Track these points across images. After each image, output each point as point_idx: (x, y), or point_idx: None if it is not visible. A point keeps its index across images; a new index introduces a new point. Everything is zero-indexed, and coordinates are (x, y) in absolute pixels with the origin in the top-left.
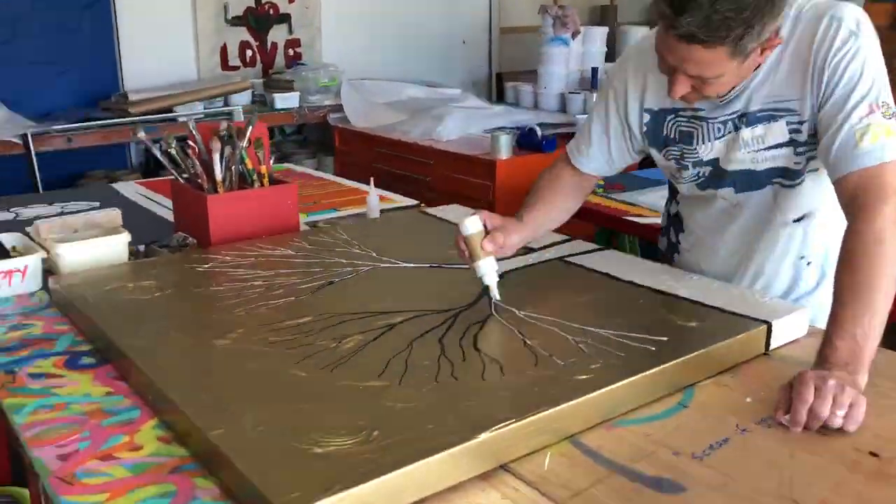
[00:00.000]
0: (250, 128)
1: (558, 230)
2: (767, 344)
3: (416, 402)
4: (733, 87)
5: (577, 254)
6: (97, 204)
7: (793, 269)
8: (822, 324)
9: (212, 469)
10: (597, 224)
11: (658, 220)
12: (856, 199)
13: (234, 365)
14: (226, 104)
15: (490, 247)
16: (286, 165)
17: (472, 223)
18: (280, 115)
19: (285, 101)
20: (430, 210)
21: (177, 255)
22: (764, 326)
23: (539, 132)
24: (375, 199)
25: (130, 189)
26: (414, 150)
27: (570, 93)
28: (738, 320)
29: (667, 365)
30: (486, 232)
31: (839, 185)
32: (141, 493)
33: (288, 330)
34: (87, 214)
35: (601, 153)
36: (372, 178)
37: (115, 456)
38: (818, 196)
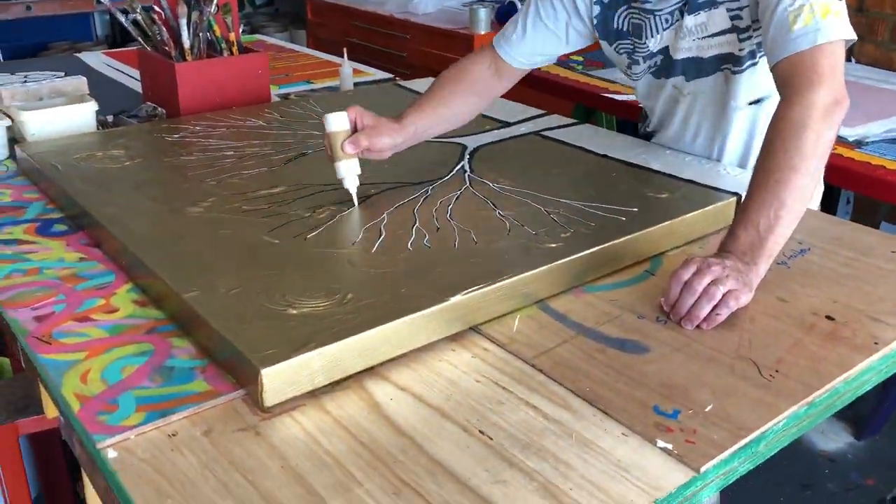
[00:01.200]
0: None
1: (536, 105)
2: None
3: (390, 268)
4: None
5: (553, 128)
6: (62, 74)
7: (756, 151)
8: None
9: (188, 330)
10: (574, 101)
11: (634, 97)
12: (786, 84)
13: (208, 232)
14: None
15: (350, 148)
16: (257, 37)
17: (337, 119)
18: None
19: None
20: (406, 83)
21: (146, 125)
22: (734, 199)
23: (518, 5)
24: (349, 70)
25: (96, 59)
26: (390, 24)
27: None
28: (709, 192)
29: (635, 234)
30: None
31: (775, 71)
32: (119, 352)
33: (261, 199)
34: (52, 82)
35: (536, 43)
36: (345, 49)
37: (92, 318)
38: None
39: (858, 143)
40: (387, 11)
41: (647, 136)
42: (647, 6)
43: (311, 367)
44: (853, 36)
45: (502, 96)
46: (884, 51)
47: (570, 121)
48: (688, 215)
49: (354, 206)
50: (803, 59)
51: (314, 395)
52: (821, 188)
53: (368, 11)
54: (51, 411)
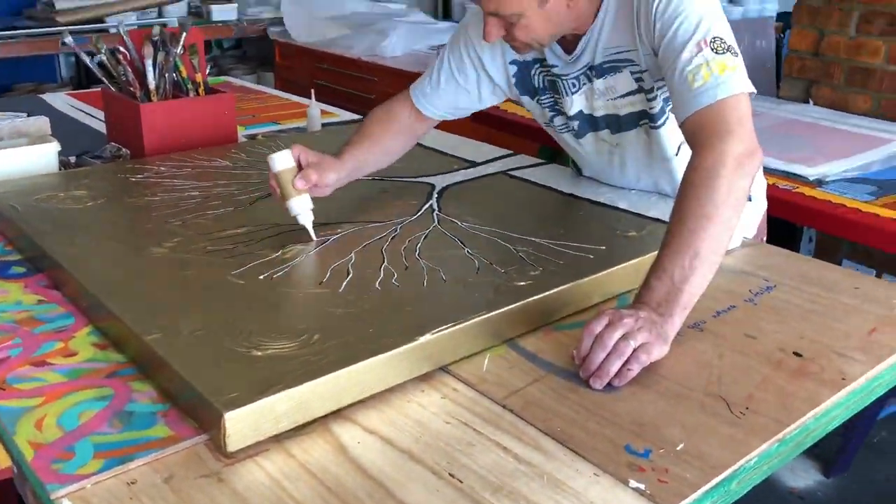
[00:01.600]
0: (184, 33)
1: (502, 145)
2: None
3: (358, 307)
4: (577, 41)
5: (520, 167)
6: (24, 114)
7: None
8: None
9: (149, 373)
10: (539, 142)
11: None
12: (696, 138)
13: (171, 273)
14: (160, 15)
15: (302, 184)
16: (224, 79)
17: (282, 158)
18: (217, 27)
19: (223, 12)
20: None
21: (110, 166)
22: None
23: None
24: (317, 110)
25: (61, 101)
26: (357, 67)
27: None
28: None
29: (604, 272)
30: (301, 168)
31: (683, 130)
32: (77, 397)
33: (226, 239)
34: (13, 122)
35: (448, 96)
36: (313, 91)
37: (49, 362)
38: None
39: (819, 182)
40: (354, 54)
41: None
42: (555, 70)
43: (277, 411)
44: (752, 89)
45: (469, 137)
46: (839, 93)
47: (537, 161)
48: (655, 253)
49: (313, 240)
50: (708, 114)
51: (279, 438)
52: (761, 218)
53: (336, 54)
54: (3, 461)
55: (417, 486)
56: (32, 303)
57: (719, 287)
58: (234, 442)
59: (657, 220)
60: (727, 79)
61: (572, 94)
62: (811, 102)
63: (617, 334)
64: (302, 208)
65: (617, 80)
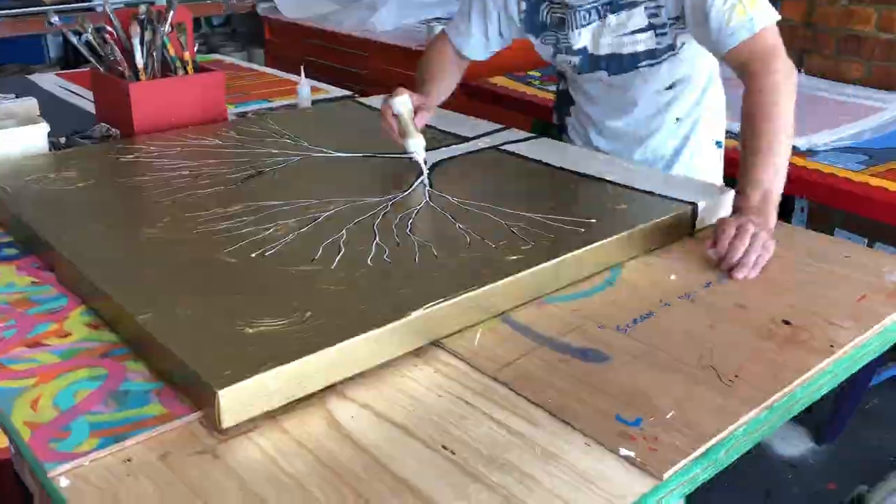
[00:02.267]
0: (171, 11)
1: (494, 119)
2: (693, 225)
3: (350, 284)
4: None
5: (511, 142)
6: (13, 96)
7: (667, 130)
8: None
9: (143, 353)
10: (533, 116)
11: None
12: (744, 68)
13: (163, 253)
14: None
15: (421, 123)
16: (214, 56)
17: (403, 102)
18: (206, 4)
19: None
20: (364, 100)
21: (99, 146)
22: (689, 208)
23: None
24: (307, 88)
25: (49, 81)
26: (348, 42)
27: None
28: (666, 202)
29: (594, 245)
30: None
31: (728, 62)
32: (71, 377)
33: (217, 219)
34: (1, 104)
35: (480, 35)
36: (303, 67)
37: (43, 343)
38: (688, 67)
39: (810, 152)
40: (345, 30)
41: (562, 127)
42: (568, 1)
43: (270, 387)
44: (779, 16)
45: (461, 111)
46: (831, 63)
47: (528, 135)
48: (645, 225)
49: (424, 173)
50: (750, 46)
51: (273, 415)
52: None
53: (326, 30)
54: (0, 441)
55: (411, 459)
56: (25, 284)
57: (711, 258)
58: (228, 418)
59: (648, 192)
60: (759, 12)
61: (581, 27)
62: (803, 72)
63: (750, 232)
64: (419, 147)
65: (630, 15)
